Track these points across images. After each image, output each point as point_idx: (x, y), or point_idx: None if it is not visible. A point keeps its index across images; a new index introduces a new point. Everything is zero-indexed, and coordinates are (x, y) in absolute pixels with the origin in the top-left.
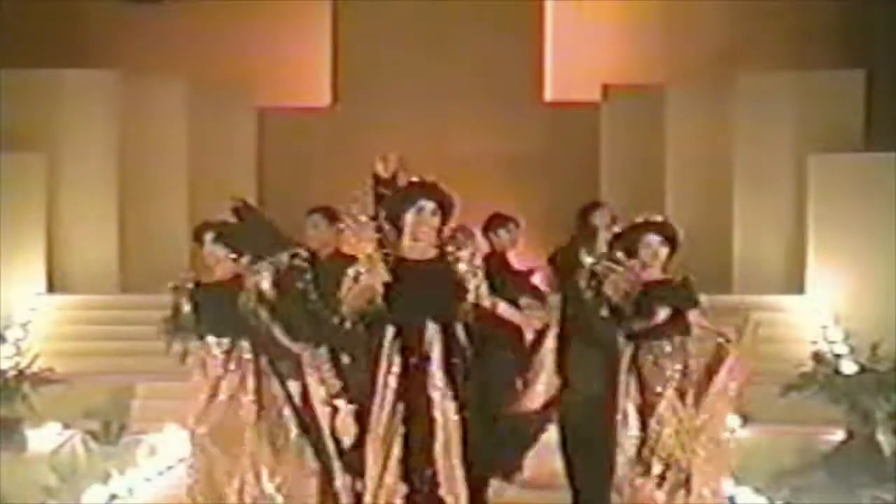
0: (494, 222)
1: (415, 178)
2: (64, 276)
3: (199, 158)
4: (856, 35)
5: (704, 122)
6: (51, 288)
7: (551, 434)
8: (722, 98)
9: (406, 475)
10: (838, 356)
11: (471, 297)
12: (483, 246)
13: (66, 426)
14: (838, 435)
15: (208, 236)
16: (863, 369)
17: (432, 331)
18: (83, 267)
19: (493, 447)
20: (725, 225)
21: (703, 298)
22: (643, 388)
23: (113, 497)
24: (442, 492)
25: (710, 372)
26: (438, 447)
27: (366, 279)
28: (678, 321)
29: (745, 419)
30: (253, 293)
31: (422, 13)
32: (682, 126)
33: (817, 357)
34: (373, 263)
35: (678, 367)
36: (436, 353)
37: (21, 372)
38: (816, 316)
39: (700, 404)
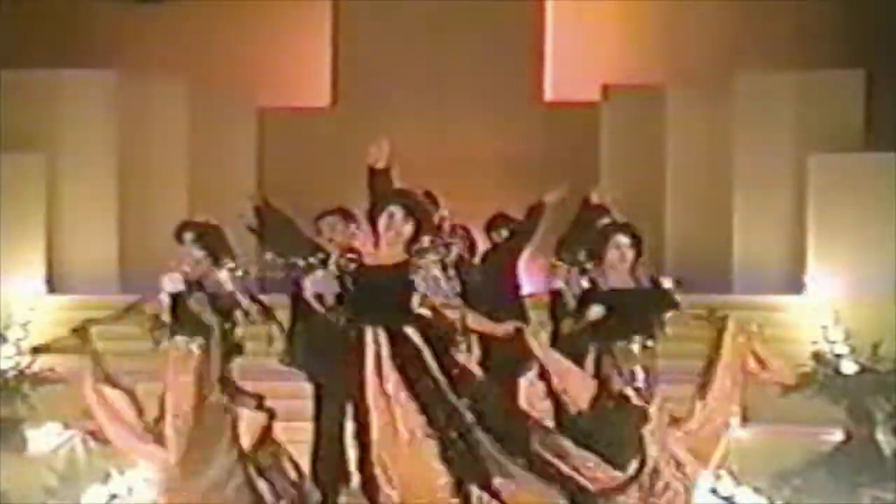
0: (497, 221)
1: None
2: (64, 276)
3: (199, 158)
4: (856, 35)
5: (704, 122)
6: (51, 288)
7: None
8: (722, 98)
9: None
10: (838, 356)
11: (437, 303)
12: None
13: (66, 426)
14: (838, 435)
15: (188, 236)
16: (863, 369)
17: (376, 335)
18: (83, 267)
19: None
20: (725, 225)
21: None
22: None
23: (113, 497)
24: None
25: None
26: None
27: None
28: (644, 323)
29: (745, 419)
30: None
31: (422, 13)
32: (682, 126)
33: (817, 357)
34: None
35: (638, 367)
36: (369, 358)
37: (21, 372)
38: (816, 316)
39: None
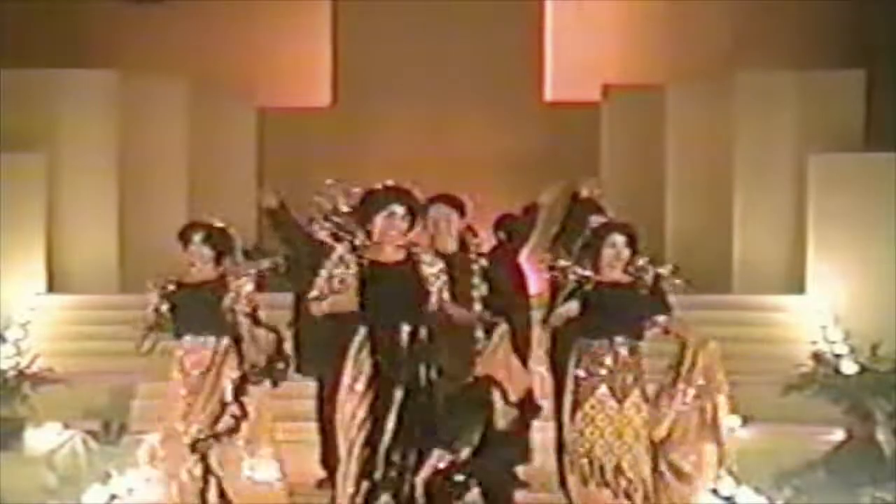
0: (505, 221)
1: (389, 183)
2: (64, 276)
3: (199, 158)
4: (856, 35)
5: (705, 122)
6: (51, 288)
7: (547, 434)
8: (722, 98)
9: (366, 473)
10: (838, 356)
11: (433, 301)
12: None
13: (66, 426)
14: (838, 435)
15: (197, 236)
16: (863, 369)
17: (403, 333)
18: (83, 267)
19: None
20: (725, 225)
21: (674, 301)
22: (577, 385)
23: (113, 497)
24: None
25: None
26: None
27: (340, 274)
28: (633, 326)
29: (745, 419)
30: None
31: (422, 13)
32: (683, 126)
33: (817, 357)
34: (345, 264)
35: (609, 365)
36: (403, 355)
37: (21, 372)
38: (816, 316)
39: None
